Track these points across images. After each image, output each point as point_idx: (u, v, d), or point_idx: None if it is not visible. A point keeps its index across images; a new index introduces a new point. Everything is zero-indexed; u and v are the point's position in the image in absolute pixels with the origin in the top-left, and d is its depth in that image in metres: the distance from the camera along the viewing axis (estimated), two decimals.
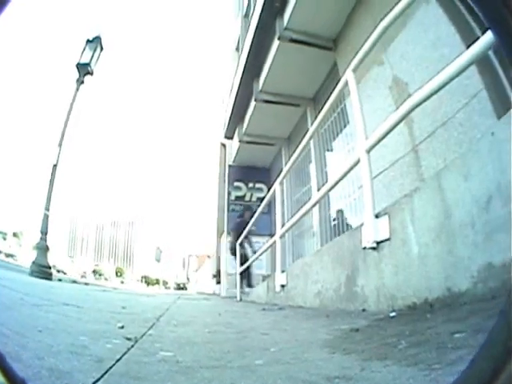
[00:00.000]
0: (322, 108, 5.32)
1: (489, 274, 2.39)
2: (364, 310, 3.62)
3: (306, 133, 6.04)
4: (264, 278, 10.50)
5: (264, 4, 9.11)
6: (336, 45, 9.00)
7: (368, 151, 3.95)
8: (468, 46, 2.79)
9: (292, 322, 3.79)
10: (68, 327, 2.55)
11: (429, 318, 2.53)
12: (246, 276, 10.70)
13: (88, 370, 1.56)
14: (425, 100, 3.33)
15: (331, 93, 5.05)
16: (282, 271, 6.48)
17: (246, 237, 10.60)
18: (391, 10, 3.78)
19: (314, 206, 5.79)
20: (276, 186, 7.54)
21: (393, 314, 3.01)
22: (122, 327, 2.72)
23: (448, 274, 2.78)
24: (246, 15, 14.47)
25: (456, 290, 2.65)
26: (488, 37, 2.52)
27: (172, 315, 4.32)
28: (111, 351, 1.94)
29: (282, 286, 6.23)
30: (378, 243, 3.58)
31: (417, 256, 3.14)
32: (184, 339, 2.61)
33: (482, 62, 4.20)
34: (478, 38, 2.68)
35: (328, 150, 9.97)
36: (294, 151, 6.37)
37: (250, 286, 10.57)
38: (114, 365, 1.68)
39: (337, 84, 4.87)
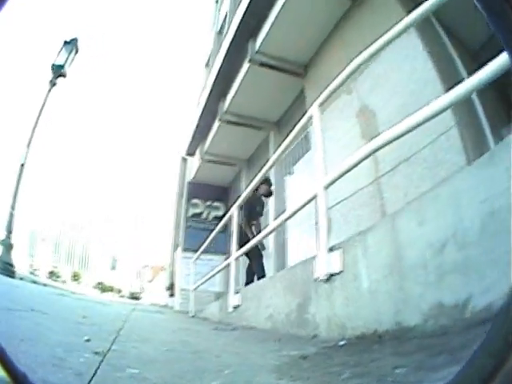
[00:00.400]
0: (286, 137, 5.41)
1: (439, 313, 2.47)
2: (315, 336, 3.67)
3: (268, 157, 6.14)
4: (217, 295, 10.48)
5: (239, 25, 9.31)
6: (305, 71, 9.27)
7: (326, 188, 4.06)
8: (449, 88, 2.88)
9: (244, 345, 3.83)
10: (43, 337, 2.65)
11: (376, 349, 2.59)
12: (256, 265, 8.04)
13: (72, 382, 1.70)
14: (392, 141, 3.40)
15: (295, 124, 5.13)
16: (236, 292, 6.47)
17: (256, 218, 8.67)
18: (363, 50, 3.89)
19: (269, 233, 5.90)
20: (233, 210, 7.71)
21: (342, 342, 3.07)
22: (89, 340, 2.81)
23: (398, 310, 2.86)
24: (220, 32, 14.58)
25: (405, 324, 2.72)
26: (474, 80, 2.64)
27: (130, 329, 4.38)
28: (85, 365, 2.05)
29: (235, 307, 6.24)
30: (330, 275, 3.65)
31: (367, 290, 3.22)
32: (146, 356, 2.71)
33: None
34: (462, 79, 2.79)
35: (288, 174, 10.10)
36: (255, 176, 6.45)
37: (261, 277, 7.65)
38: (91, 379, 1.80)
39: (303, 115, 4.95)
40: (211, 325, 6.31)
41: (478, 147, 5.05)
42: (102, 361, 2.24)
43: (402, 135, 3.23)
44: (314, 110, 4.60)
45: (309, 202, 4.44)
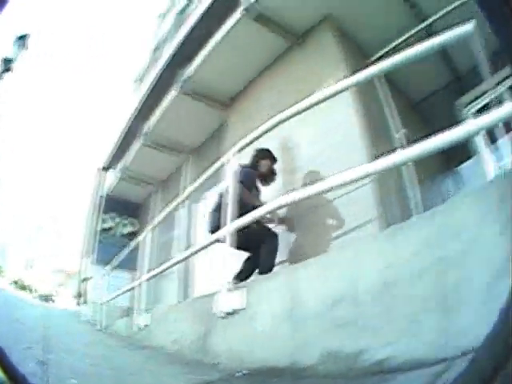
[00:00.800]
0: (204, 170, 5.61)
1: (333, 359, 2.73)
2: (218, 364, 3.86)
3: (185, 180, 6.16)
4: (126, 311, 10.42)
5: (176, 51, 9.36)
6: (232, 103, 9.40)
7: (232, 232, 4.30)
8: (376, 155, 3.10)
9: (156, 365, 4.06)
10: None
11: (274, 382, 2.89)
12: (267, 251, 5.36)
13: None
14: (306, 198, 3.67)
15: (215, 155, 5.31)
16: (145, 312, 6.65)
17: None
18: (290, 106, 4.10)
19: (176, 264, 6.08)
20: (146, 234, 7.74)
21: (242, 373, 3.31)
22: (29, 348, 3.10)
23: (294, 351, 3.11)
24: (157, 49, 14.46)
25: (301, 365, 2.95)
26: (412, 152, 2.90)
27: (54, 337, 4.68)
28: (35, 374, 2.29)
29: (145, 326, 6.34)
30: (234, 311, 3.88)
31: (267, 329, 3.48)
32: (78, 369, 2.96)
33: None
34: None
35: (201, 199, 10.14)
36: (169, 202, 6.56)
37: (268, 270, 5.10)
38: None
39: (221, 153, 5.13)
40: (121, 341, 6.52)
41: (400, 204, 5.34)
42: (47, 370, 2.45)
43: (319, 193, 3.51)
44: (230, 157, 4.81)
45: (214, 242, 4.71)
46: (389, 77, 5.91)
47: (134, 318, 7.02)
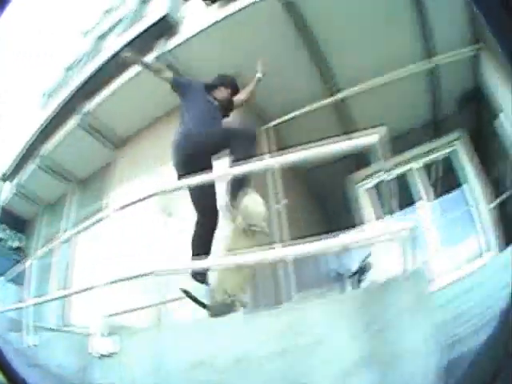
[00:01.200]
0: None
1: None
2: None
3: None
4: (17, 324, 10.23)
5: (84, 82, 9.83)
6: (123, 145, 10.30)
7: (109, 284, 4.40)
8: None
9: None
10: None
11: None
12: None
13: None
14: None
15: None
16: (34, 331, 6.59)
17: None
18: None
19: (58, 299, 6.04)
20: (31, 262, 7.68)
21: None
22: None
23: None
24: (70, 68, 14.27)
25: None
26: None
27: None
28: None
29: (33, 345, 6.23)
30: (108, 353, 3.95)
31: (138, 378, 3.70)
32: None
33: None
34: None
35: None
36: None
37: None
38: None
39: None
40: (17, 355, 5.82)
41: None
42: None
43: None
44: (110, 212, 5.04)
45: (86, 290, 4.92)
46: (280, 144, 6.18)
47: (24, 335, 6.84)
